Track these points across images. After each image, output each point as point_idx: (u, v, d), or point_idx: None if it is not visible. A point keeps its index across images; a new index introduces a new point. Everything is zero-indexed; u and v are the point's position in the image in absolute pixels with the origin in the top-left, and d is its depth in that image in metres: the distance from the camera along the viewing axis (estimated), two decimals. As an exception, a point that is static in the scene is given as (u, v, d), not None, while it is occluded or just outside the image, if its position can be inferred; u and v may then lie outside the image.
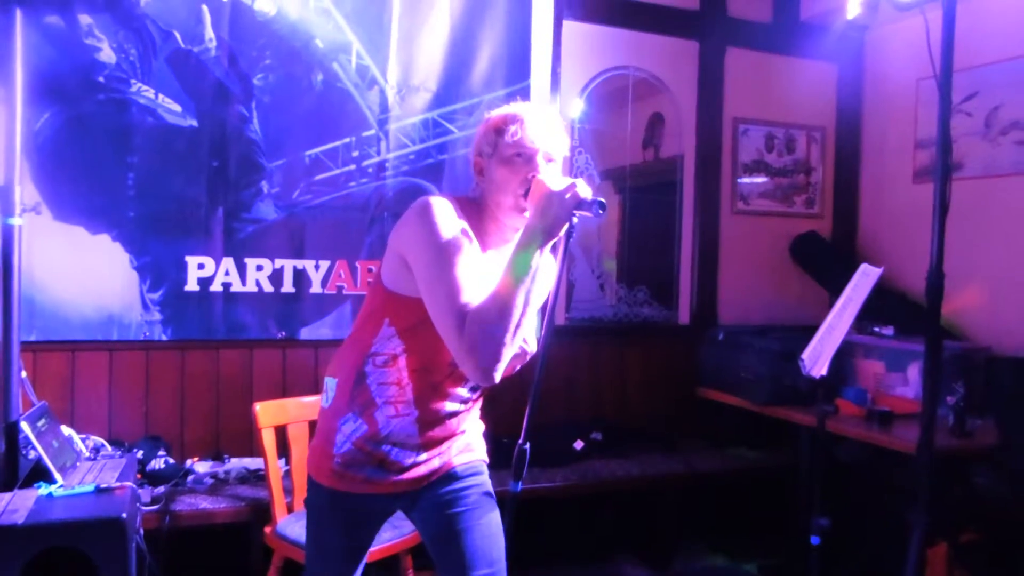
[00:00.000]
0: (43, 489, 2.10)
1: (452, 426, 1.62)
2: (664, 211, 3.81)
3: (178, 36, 2.88)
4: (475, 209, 1.54)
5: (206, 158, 2.95)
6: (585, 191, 1.38)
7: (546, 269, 1.46)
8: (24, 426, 2.21)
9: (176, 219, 2.92)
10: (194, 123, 2.93)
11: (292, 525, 2.37)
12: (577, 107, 3.57)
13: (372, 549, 1.76)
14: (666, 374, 3.73)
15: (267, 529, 2.44)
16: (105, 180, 2.82)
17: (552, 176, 1.48)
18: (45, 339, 2.77)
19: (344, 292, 3.16)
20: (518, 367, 1.62)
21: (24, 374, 2.46)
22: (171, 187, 2.91)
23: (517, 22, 3.38)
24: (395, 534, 2.35)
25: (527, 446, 1.36)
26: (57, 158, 2.77)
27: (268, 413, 2.47)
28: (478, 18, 3.32)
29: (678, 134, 3.79)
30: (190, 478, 2.76)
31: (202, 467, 2.83)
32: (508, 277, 1.37)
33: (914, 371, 3.13)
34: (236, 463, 2.90)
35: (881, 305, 3.42)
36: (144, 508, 2.45)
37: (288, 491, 2.54)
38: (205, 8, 2.91)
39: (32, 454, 2.23)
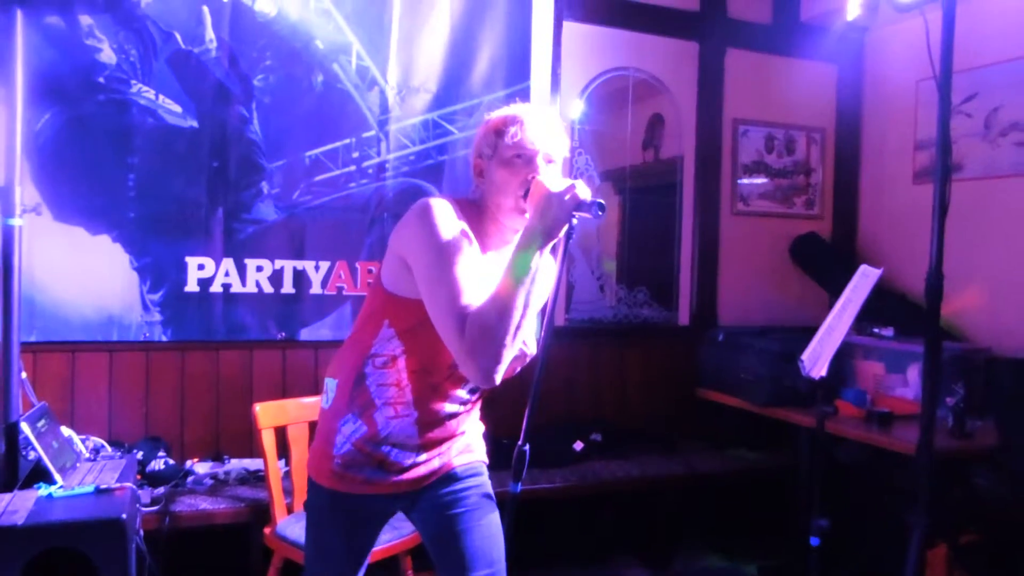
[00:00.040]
0: (43, 490, 2.10)
1: (452, 427, 1.62)
2: (664, 212, 3.81)
3: (178, 37, 2.89)
4: (475, 210, 1.54)
5: (206, 159, 2.95)
6: (584, 192, 1.38)
7: (546, 270, 1.47)
8: (24, 427, 2.21)
9: (176, 220, 2.92)
10: (194, 124, 2.93)
11: (292, 526, 2.37)
12: (577, 108, 3.57)
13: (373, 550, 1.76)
14: (666, 375, 3.73)
15: (267, 530, 2.44)
16: (105, 181, 2.83)
17: (552, 177, 1.48)
18: (45, 340, 2.77)
19: (344, 293, 3.16)
20: (518, 369, 1.62)
21: (24, 375, 2.46)
22: (171, 188, 2.91)
23: (517, 23, 3.39)
24: (395, 535, 2.35)
25: (527, 447, 1.37)
26: (57, 159, 2.77)
27: (268, 414, 2.48)
28: (478, 19, 3.32)
29: (678, 135, 3.79)
30: (190, 479, 2.77)
31: (202, 468, 2.84)
32: (508, 278, 1.37)
33: (914, 372, 3.13)
34: (236, 464, 2.90)
35: (881, 306, 3.42)
36: (144, 509, 2.45)
37: (288, 492, 2.54)
38: (206, 9, 2.92)
39: (32, 455, 2.23)
